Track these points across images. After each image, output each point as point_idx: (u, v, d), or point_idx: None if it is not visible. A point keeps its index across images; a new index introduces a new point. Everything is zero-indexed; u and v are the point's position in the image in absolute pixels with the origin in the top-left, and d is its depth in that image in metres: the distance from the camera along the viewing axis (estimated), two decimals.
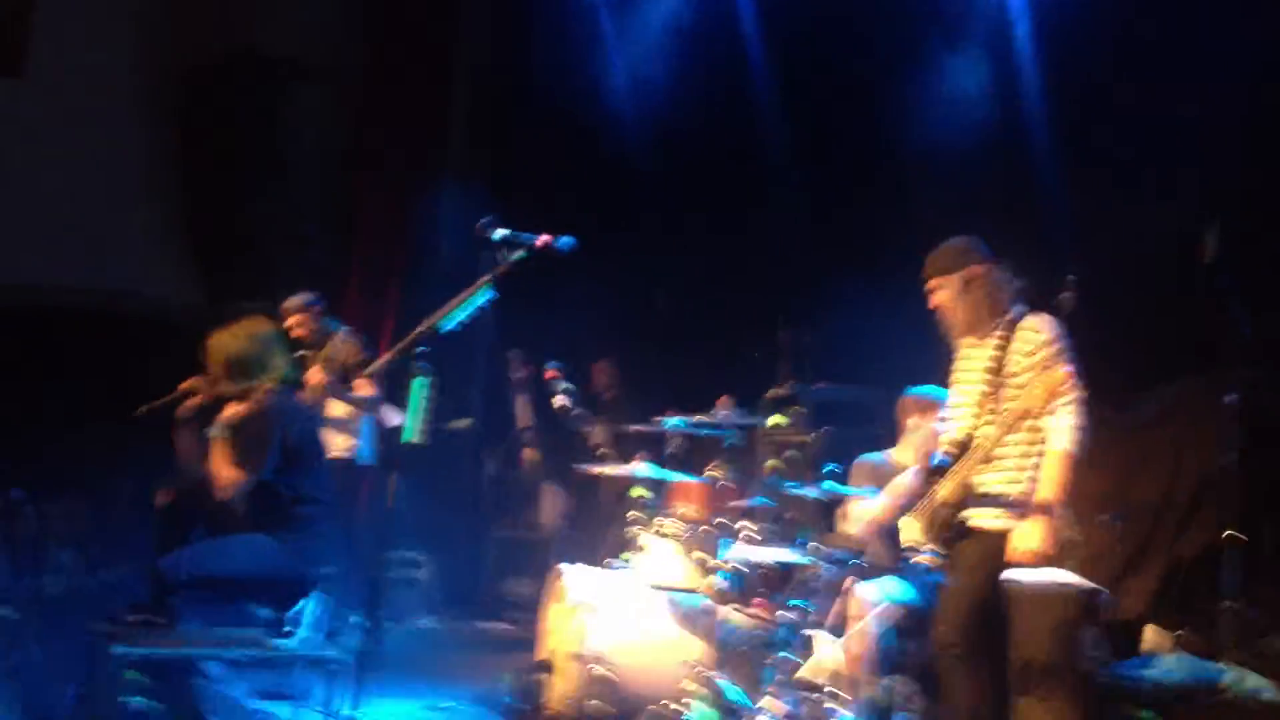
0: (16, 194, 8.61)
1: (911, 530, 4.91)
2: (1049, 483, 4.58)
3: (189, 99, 9.30)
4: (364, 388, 7.18)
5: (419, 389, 3.88)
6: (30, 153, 8.67)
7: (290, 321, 7.33)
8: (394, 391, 8.08)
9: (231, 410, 5.07)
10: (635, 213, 9.52)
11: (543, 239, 4.16)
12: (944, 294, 4.89)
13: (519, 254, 4.10)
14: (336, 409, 7.29)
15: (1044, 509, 4.56)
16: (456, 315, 4.01)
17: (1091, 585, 5.39)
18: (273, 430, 4.94)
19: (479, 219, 4.18)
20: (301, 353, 7.27)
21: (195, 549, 4.95)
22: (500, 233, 4.11)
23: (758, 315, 8.76)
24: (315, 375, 7.11)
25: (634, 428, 6.99)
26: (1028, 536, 4.55)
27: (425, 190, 9.47)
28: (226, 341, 5.11)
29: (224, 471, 4.92)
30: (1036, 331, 4.73)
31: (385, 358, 4.90)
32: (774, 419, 5.76)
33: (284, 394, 5.12)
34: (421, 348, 3.95)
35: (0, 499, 7.75)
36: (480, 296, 4.02)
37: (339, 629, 6.47)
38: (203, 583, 4.85)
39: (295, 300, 7.41)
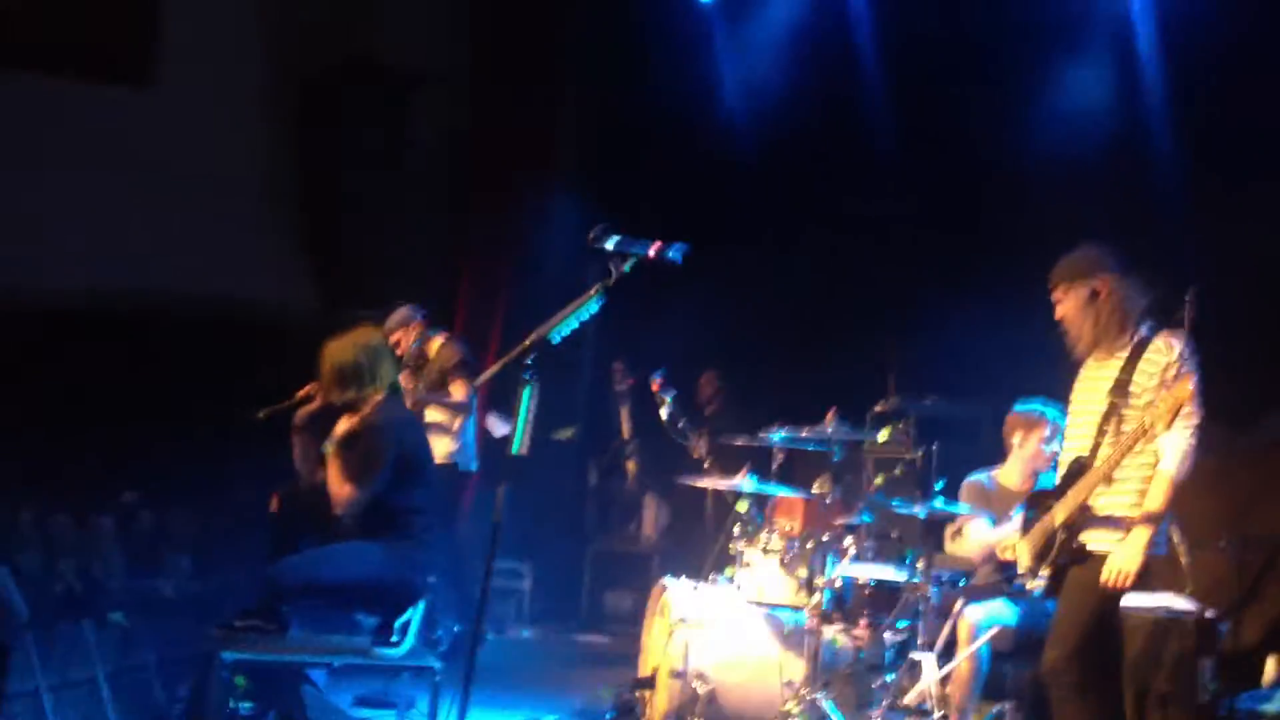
0: (140, 200, 8.82)
1: (1024, 553, 4.80)
2: (1150, 503, 4.45)
3: (309, 106, 9.46)
4: (458, 391, 7.18)
5: (527, 399, 3.87)
6: (155, 160, 8.87)
7: (395, 336, 7.37)
8: (502, 401, 8.15)
9: (345, 424, 5.12)
10: (746, 223, 9.48)
11: (655, 247, 4.11)
12: (1070, 303, 4.75)
13: (630, 263, 4.05)
14: (436, 414, 7.32)
15: (1141, 529, 4.43)
16: (565, 325, 3.99)
17: (1210, 613, 5.21)
18: (386, 445, 4.98)
19: (588, 228, 4.15)
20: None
21: (305, 556, 5.00)
22: (613, 241, 4.07)
23: (867, 328, 8.69)
24: (404, 381, 7.16)
25: (739, 440, 6.95)
26: (1122, 558, 4.42)
27: (536, 198, 9.52)
28: (335, 351, 5.16)
29: (339, 488, 4.97)
30: (1167, 350, 4.58)
31: (494, 367, 4.91)
32: (882, 434, 5.67)
33: (394, 405, 5.16)
34: (530, 358, 3.93)
35: (117, 502, 7.96)
36: (590, 306, 3.99)
37: (444, 638, 6.54)
38: (312, 590, 4.90)
39: (399, 314, 7.45)
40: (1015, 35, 8.16)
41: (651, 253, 4.11)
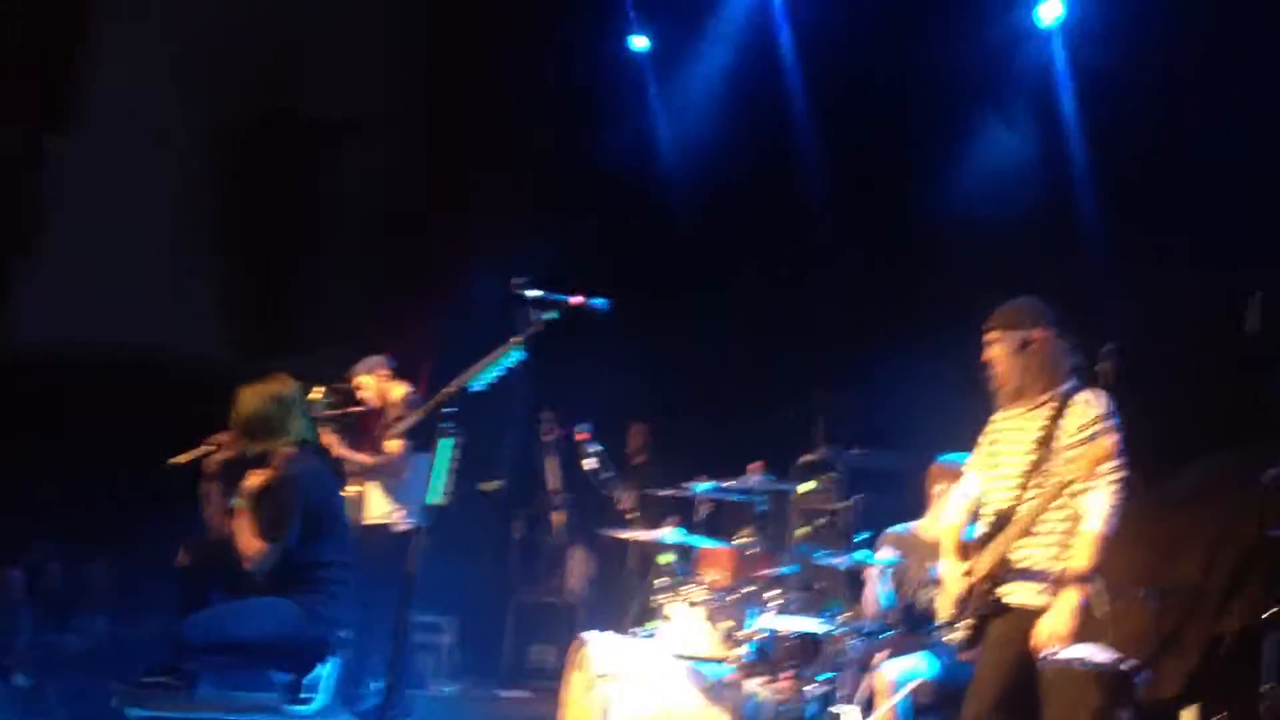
0: (57, 247, 8.67)
1: (944, 604, 4.79)
2: (1076, 564, 4.47)
3: (233, 155, 9.38)
4: (392, 446, 7.08)
5: (444, 450, 3.81)
6: (78, 206, 8.74)
7: (359, 384, 7.24)
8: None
9: (254, 477, 5.03)
10: (678, 275, 9.51)
11: (576, 299, 4.09)
12: (1000, 349, 4.78)
13: (551, 314, 4.03)
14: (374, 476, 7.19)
15: (1070, 591, 4.45)
16: (485, 375, 3.95)
17: (1128, 664, 5.23)
18: (294, 499, 4.89)
19: (515, 278, 4.13)
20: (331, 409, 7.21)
21: (214, 612, 4.89)
22: (533, 292, 4.04)
23: (794, 380, 8.72)
24: (326, 437, 7.04)
25: (664, 492, 6.93)
26: (1053, 621, 4.44)
27: (465, 248, 9.48)
28: (245, 401, 5.07)
29: (248, 542, 4.87)
30: (1089, 405, 4.62)
31: (411, 418, 4.85)
32: (804, 486, 5.66)
33: (304, 458, 5.06)
34: (449, 408, 3.88)
35: (28, 555, 7.76)
36: (510, 356, 3.95)
37: (358, 695, 6.42)
38: (221, 647, 4.78)
39: (361, 368, 7.28)
40: (944, 93, 8.30)
41: (574, 302, 4.10)
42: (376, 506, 7.23)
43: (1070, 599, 4.45)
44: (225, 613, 4.88)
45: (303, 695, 4.85)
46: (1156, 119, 7.14)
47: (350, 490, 6.99)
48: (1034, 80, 7.97)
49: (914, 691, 5.31)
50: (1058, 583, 4.53)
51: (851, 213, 8.71)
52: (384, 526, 7.18)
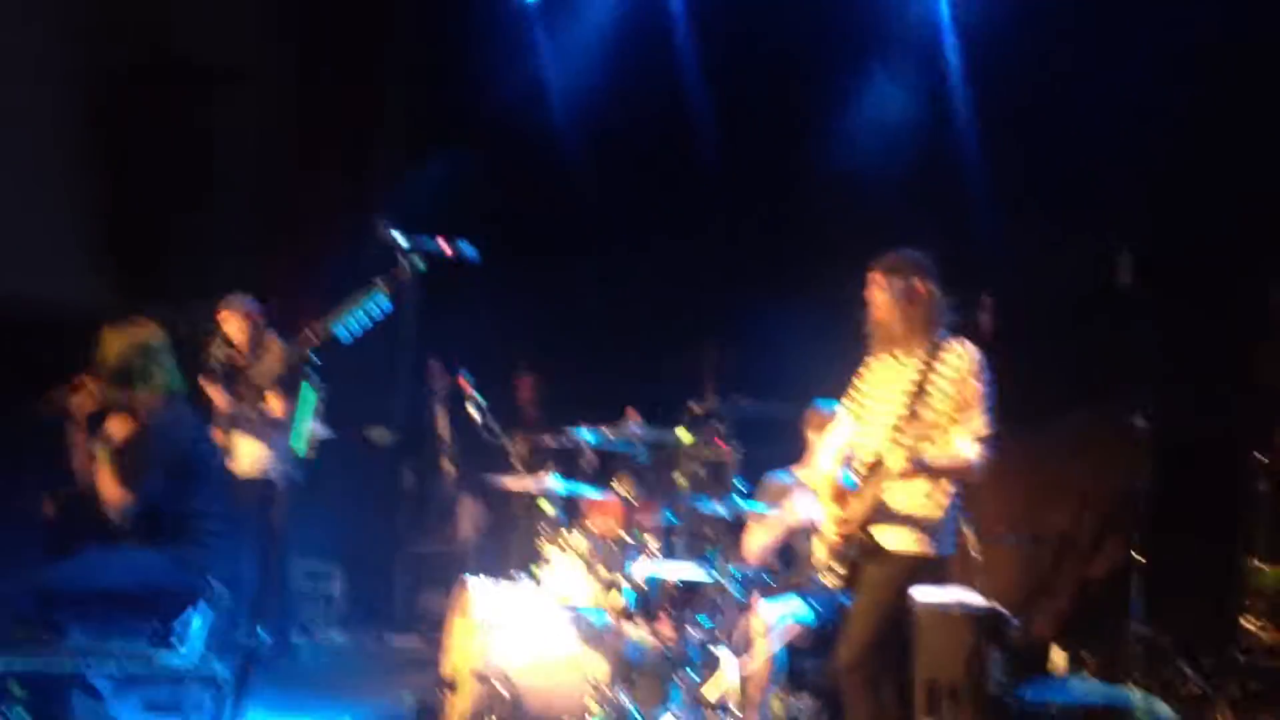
0: None
1: (820, 548, 4.87)
2: (933, 454, 4.56)
3: (111, 100, 9.10)
4: (275, 406, 7.03)
5: (308, 397, 3.76)
6: None
7: (222, 321, 7.20)
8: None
9: (115, 424, 4.92)
10: (569, 223, 9.46)
11: (445, 245, 4.05)
12: (883, 294, 4.83)
13: (418, 259, 3.99)
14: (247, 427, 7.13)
15: (915, 463, 4.56)
16: (348, 319, 3.89)
17: (997, 607, 5.36)
18: (156, 448, 4.80)
19: (381, 223, 4.07)
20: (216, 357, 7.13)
21: (78, 562, 4.80)
22: (398, 236, 3.99)
23: (682, 328, 8.74)
24: (216, 395, 6.97)
25: (549, 440, 6.92)
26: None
27: (351, 196, 9.34)
28: (109, 347, 4.95)
29: (109, 491, 4.78)
30: (964, 356, 4.70)
31: (276, 363, 4.77)
32: (682, 433, 5.69)
33: (169, 407, 4.95)
34: (312, 355, 3.83)
35: None
36: (372, 300, 3.90)
37: (235, 643, 6.35)
38: (86, 596, 4.70)
39: (235, 301, 7.25)
40: (834, 43, 8.31)
41: (444, 248, 4.06)
42: (248, 456, 7.18)
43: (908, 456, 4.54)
44: (90, 562, 4.80)
45: (171, 643, 4.78)
46: (1036, 73, 7.24)
47: (219, 440, 6.93)
48: (917, 34, 8.03)
49: (790, 635, 5.39)
50: (924, 527, 4.62)
51: (738, 162, 8.73)
52: (256, 477, 7.15)
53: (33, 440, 5.45)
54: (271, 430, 7.12)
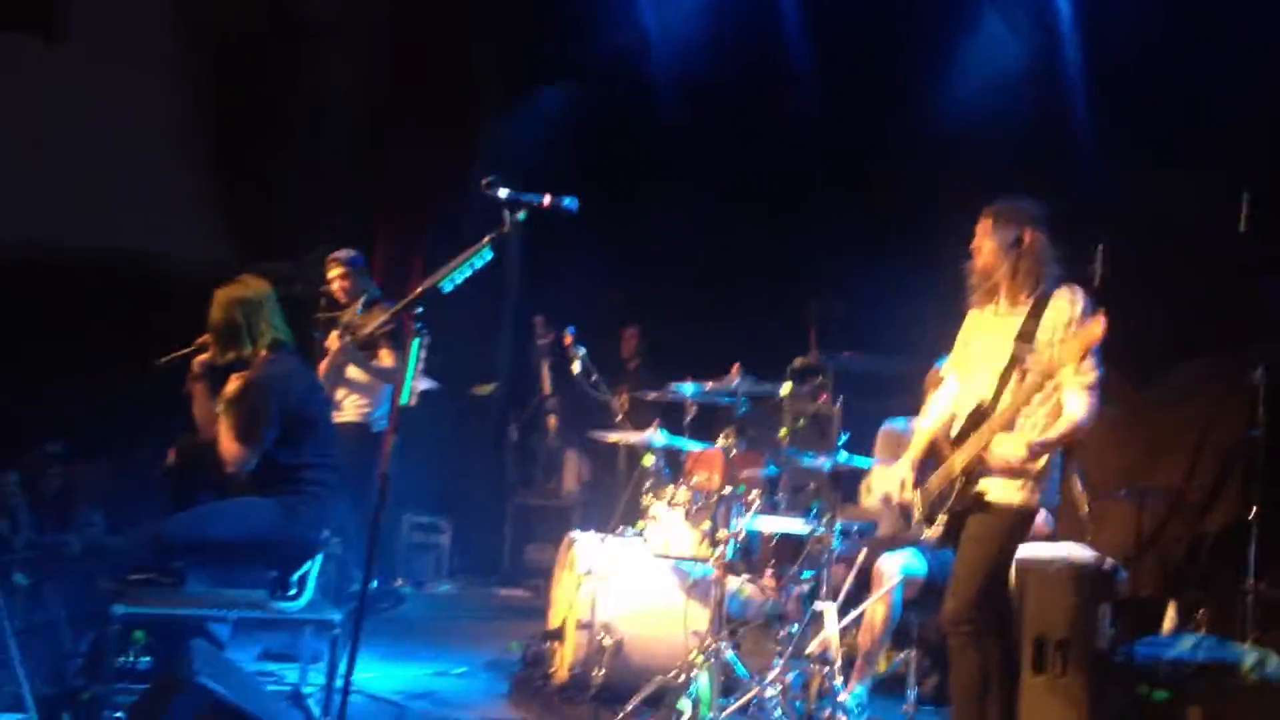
0: (53, 156, 8.65)
1: (919, 500, 4.82)
2: (1049, 430, 4.49)
3: (220, 61, 9.29)
4: (386, 359, 7.17)
5: (416, 350, 3.83)
6: (67, 116, 8.70)
7: (331, 275, 7.37)
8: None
9: (232, 382, 5.05)
10: (666, 176, 9.47)
11: (545, 198, 4.07)
12: (990, 241, 4.73)
13: (521, 214, 4.02)
14: (356, 372, 7.29)
15: (1033, 448, 4.48)
16: (456, 276, 3.94)
17: (1108, 562, 5.29)
18: (269, 402, 4.90)
19: (484, 179, 4.10)
20: (329, 313, 7.29)
21: (193, 513, 4.94)
22: (504, 192, 4.02)
23: (787, 284, 8.71)
24: (334, 341, 7.12)
25: (652, 395, 6.95)
26: (1008, 447, 4.47)
27: (452, 153, 9.43)
28: (215, 308, 5.08)
29: (228, 446, 4.91)
30: (1071, 303, 4.60)
31: (383, 318, 4.84)
32: (784, 387, 5.67)
33: (280, 361, 5.06)
34: (420, 309, 3.89)
35: (31, 454, 7.83)
36: (480, 257, 3.94)
37: (349, 592, 6.52)
38: (200, 546, 4.84)
39: (340, 255, 7.43)
40: None
41: (545, 202, 4.08)
42: (355, 404, 7.34)
43: (1027, 443, 4.47)
44: (204, 514, 4.93)
45: (289, 592, 4.91)
46: (1150, 18, 7.02)
47: (330, 392, 7.10)
48: None
49: (909, 590, 5.39)
50: (1035, 478, 4.55)
51: (843, 116, 8.63)
52: (358, 423, 7.30)
53: (157, 394, 5.62)
54: (382, 383, 7.27)
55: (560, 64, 9.64)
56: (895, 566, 5.43)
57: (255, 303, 5.08)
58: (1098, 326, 4.27)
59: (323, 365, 7.18)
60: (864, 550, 5.62)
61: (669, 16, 9.44)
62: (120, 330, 8.23)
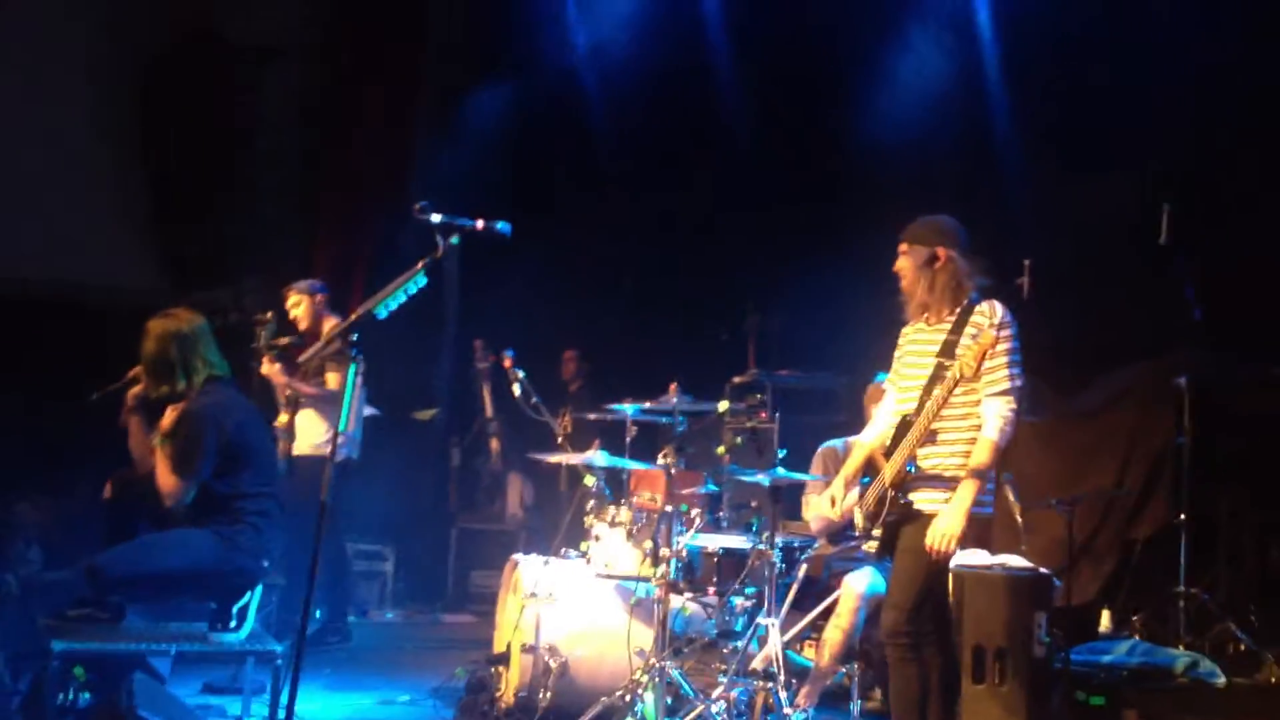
0: None
1: (859, 514, 4.89)
2: (971, 464, 4.57)
3: (152, 82, 9.23)
4: (332, 380, 7.11)
5: (352, 376, 3.84)
6: None
7: (290, 305, 7.32)
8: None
9: (169, 415, 5.01)
10: (611, 198, 9.53)
11: (479, 222, 4.11)
12: (907, 261, 4.83)
13: (455, 238, 4.05)
14: (312, 405, 7.25)
15: (963, 491, 4.54)
16: (390, 301, 3.96)
17: (1042, 570, 5.38)
18: (205, 434, 4.87)
19: (418, 204, 4.12)
20: (269, 343, 7.24)
21: (131, 545, 4.90)
22: (437, 217, 4.05)
23: (723, 302, 8.79)
24: (269, 366, 7.06)
25: (593, 415, 6.97)
26: (946, 521, 4.53)
27: (386, 175, 9.44)
28: (147, 342, 5.04)
29: (165, 479, 4.87)
30: (990, 313, 4.69)
31: (319, 345, 4.84)
32: (721, 405, 5.73)
33: (215, 392, 5.03)
34: (355, 334, 3.90)
35: None
36: (414, 283, 3.96)
37: (288, 623, 6.47)
38: (138, 579, 4.80)
39: (301, 285, 7.36)
40: (862, 11, 8.29)
41: (479, 226, 4.11)
42: (312, 435, 7.28)
43: (962, 500, 4.51)
44: (141, 546, 4.89)
45: (230, 624, 4.88)
46: (1067, 32, 7.18)
47: (283, 420, 7.03)
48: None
49: (873, 606, 5.45)
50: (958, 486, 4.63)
51: (775, 132, 8.73)
52: (317, 457, 7.24)
53: (93, 428, 5.57)
54: (332, 408, 7.20)
55: (493, 85, 9.67)
56: (861, 586, 5.49)
57: (189, 337, 5.02)
58: (989, 335, 4.40)
59: (279, 388, 7.12)
60: (804, 566, 5.68)
61: (603, 37, 9.50)
62: (52, 363, 8.14)
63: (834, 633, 5.50)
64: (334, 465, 3.87)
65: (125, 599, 4.89)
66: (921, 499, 4.67)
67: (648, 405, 5.78)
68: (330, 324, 7.36)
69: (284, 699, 4.13)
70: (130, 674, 4.36)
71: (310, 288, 7.38)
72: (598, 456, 6.16)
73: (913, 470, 4.66)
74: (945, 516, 4.53)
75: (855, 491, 4.95)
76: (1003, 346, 4.56)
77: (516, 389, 6.71)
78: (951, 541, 4.50)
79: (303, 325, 7.32)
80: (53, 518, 7.95)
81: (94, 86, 9.07)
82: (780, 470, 5.52)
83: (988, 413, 4.57)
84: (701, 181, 9.07)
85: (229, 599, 4.86)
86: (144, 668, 4.98)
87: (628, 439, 6.49)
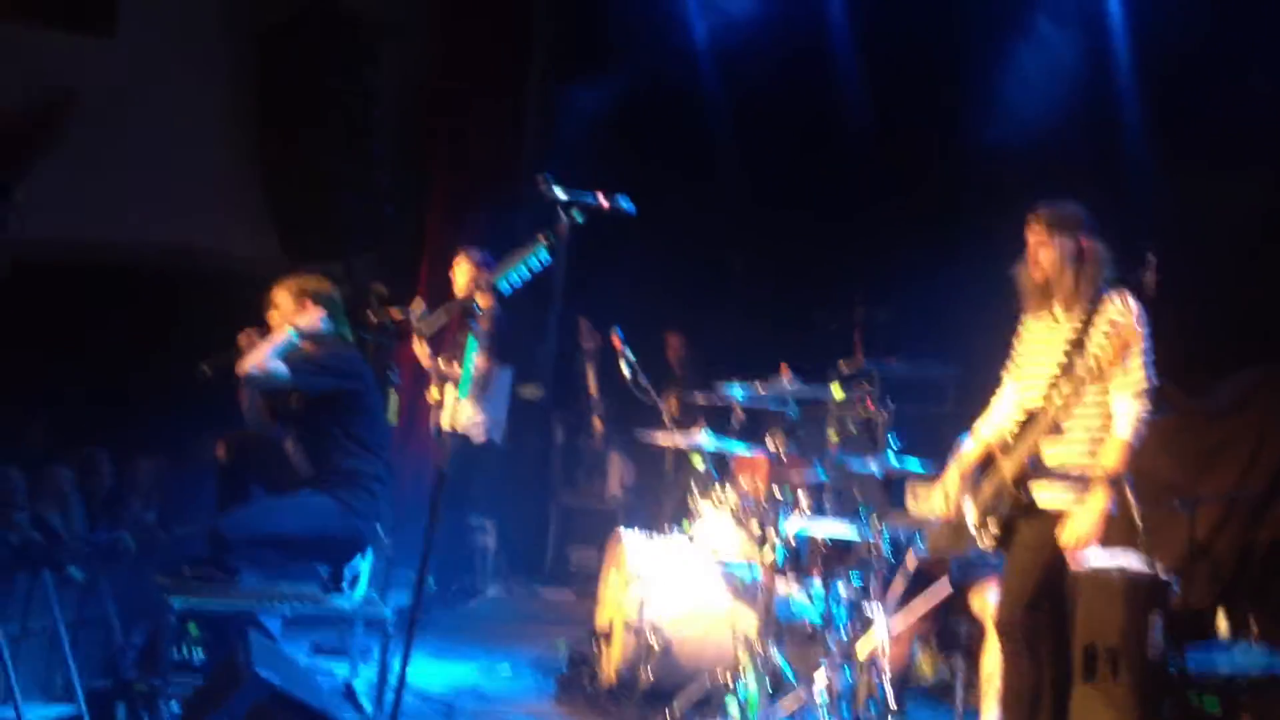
0: (103, 152, 8.73)
1: (972, 510, 4.81)
2: (1104, 466, 4.47)
3: (269, 57, 9.34)
4: (479, 362, 7.18)
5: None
6: (118, 112, 8.78)
7: (454, 267, 7.33)
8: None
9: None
10: (715, 179, 9.47)
11: (602, 199, 4.09)
12: (1052, 251, 4.68)
13: (579, 212, 4.04)
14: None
15: (1097, 493, 4.45)
16: (514, 275, 3.97)
17: (1160, 572, 5.26)
18: (325, 369, 4.96)
19: (540, 178, 4.12)
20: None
21: (250, 509, 5.00)
22: (558, 191, 4.04)
23: (834, 288, 8.69)
24: (419, 348, 7.14)
25: (699, 397, 6.95)
26: (1080, 522, 4.44)
27: (502, 148, 9.47)
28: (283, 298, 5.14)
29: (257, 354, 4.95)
30: (1124, 310, 4.58)
31: (439, 318, 4.87)
32: (835, 390, 5.67)
33: (347, 352, 5.14)
34: (475, 308, 3.92)
35: (80, 455, 7.93)
36: (535, 256, 3.97)
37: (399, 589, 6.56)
38: (258, 541, 4.89)
39: (474, 252, 7.35)
40: None
41: (603, 202, 4.10)
42: (462, 414, 7.37)
43: (1097, 501, 4.44)
44: (262, 509, 4.99)
45: (341, 587, 4.96)
46: (1198, 21, 6.95)
47: (434, 395, 7.09)
48: None
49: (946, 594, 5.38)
50: (1082, 483, 4.53)
51: (891, 120, 8.60)
52: (464, 435, 7.35)
53: (207, 390, 5.67)
54: (479, 389, 7.27)
55: (607, 64, 9.65)
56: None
57: (334, 299, 5.16)
58: (1133, 329, 4.27)
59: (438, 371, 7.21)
60: (911, 557, 5.61)
61: (718, 20, 9.44)
62: (169, 326, 8.32)
63: (987, 667, 5.28)
64: (457, 438, 3.89)
65: (243, 560, 4.98)
66: (1045, 495, 4.58)
67: (759, 388, 5.74)
68: (484, 300, 7.40)
69: (395, 663, 4.18)
70: (244, 633, 4.44)
71: (481, 259, 7.35)
72: (704, 438, 6.15)
73: (1034, 466, 4.57)
74: (1082, 520, 4.45)
75: (955, 490, 4.87)
76: (1141, 345, 4.45)
77: (625, 368, 6.70)
78: (1086, 543, 4.42)
79: (460, 293, 7.35)
80: (168, 479, 8.14)
81: (210, 55, 9.20)
82: (892, 459, 5.46)
83: (1122, 411, 4.47)
84: (814, 168, 8.96)
85: (342, 563, 4.93)
86: (257, 627, 5.09)
87: (733, 422, 6.47)
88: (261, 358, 4.94)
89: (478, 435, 7.37)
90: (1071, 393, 4.47)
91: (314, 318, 5.09)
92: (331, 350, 5.04)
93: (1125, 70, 7.58)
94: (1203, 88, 6.94)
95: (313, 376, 4.96)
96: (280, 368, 4.96)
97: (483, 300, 7.38)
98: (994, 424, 4.95)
